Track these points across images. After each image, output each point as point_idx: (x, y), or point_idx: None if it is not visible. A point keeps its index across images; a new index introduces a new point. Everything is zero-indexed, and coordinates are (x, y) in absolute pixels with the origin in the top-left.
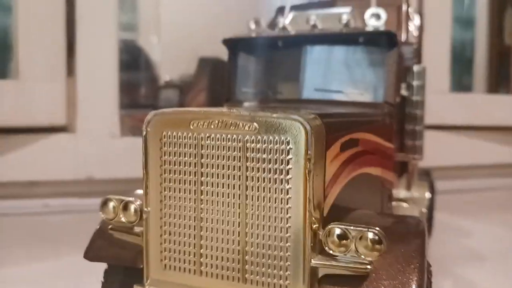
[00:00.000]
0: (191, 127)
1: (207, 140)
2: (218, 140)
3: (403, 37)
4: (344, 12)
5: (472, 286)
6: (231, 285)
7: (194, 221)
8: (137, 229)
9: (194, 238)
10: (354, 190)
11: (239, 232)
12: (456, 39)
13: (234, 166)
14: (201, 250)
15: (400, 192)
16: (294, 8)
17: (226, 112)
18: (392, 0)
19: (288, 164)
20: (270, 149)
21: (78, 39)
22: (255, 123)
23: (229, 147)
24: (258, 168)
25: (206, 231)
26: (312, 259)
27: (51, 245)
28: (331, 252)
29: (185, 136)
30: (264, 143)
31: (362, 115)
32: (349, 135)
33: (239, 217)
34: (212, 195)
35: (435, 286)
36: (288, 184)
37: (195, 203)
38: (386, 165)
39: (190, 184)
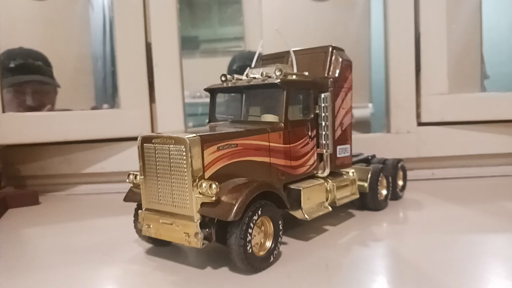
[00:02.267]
0: (153, 141)
1: (157, 149)
2: (160, 149)
3: (326, 74)
4: (265, 68)
5: None
6: (169, 209)
7: (156, 189)
8: None
9: (158, 198)
10: (235, 168)
11: (171, 192)
12: None
13: (166, 161)
14: (159, 199)
15: (319, 173)
16: (261, 59)
17: (161, 134)
18: (324, 49)
19: (184, 157)
20: (177, 151)
21: (155, 78)
22: (172, 140)
23: (165, 151)
24: (174, 161)
25: (161, 195)
26: (195, 195)
27: None
28: (201, 192)
29: (150, 147)
30: (175, 149)
31: (252, 130)
32: (226, 141)
33: (171, 185)
34: (162, 177)
35: None
36: (185, 167)
37: (156, 181)
38: (277, 156)
39: (153, 169)
